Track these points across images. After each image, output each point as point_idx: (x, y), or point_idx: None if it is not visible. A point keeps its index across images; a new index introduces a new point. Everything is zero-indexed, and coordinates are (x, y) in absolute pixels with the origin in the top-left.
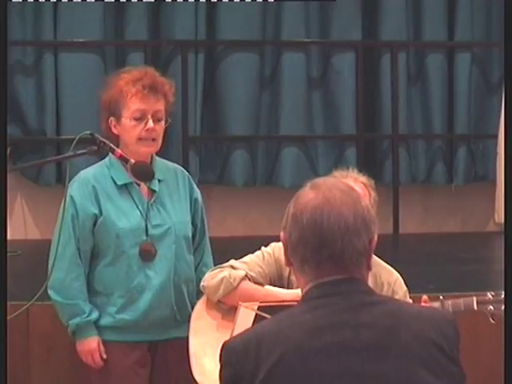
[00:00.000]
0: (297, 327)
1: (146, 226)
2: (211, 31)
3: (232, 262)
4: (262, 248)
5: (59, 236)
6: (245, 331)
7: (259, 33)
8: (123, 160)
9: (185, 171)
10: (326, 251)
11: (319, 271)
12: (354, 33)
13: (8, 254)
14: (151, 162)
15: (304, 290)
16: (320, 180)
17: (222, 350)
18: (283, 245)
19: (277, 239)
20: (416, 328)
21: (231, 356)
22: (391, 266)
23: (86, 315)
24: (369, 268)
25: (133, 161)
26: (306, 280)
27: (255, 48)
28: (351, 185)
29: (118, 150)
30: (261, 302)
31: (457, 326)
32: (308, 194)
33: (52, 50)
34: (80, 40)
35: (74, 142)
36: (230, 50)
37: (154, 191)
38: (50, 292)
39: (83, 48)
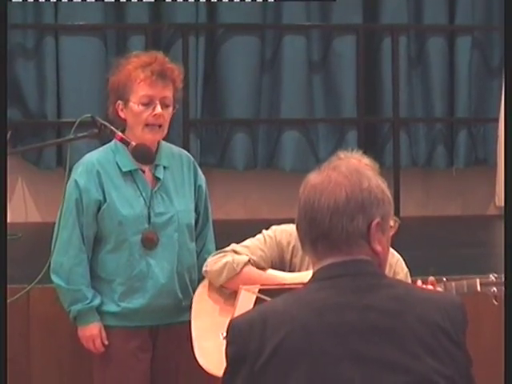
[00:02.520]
0: (303, 307)
1: (149, 213)
2: (212, 15)
3: (233, 246)
4: (263, 231)
5: (63, 220)
6: (251, 310)
7: (260, 16)
8: (124, 143)
9: (190, 157)
10: (314, 231)
11: (315, 251)
12: (354, 16)
13: (8, 237)
14: (157, 147)
15: (313, 272)
16: (334, 162)
17: (228, 328)
18: None
19: (277, 222)
20: (422, 311)
21: (236, 334)
22: (392, 248)
23: (88, 301)
24: (374, 251)
25: (133, 143)
26: (312, 261)
27: (256, 31)
28: (361, 166)
29: (119, 133)
30: (262, 285)
31: (465, 311)
32: (311, 176)
33: (53, 34)
34: (81, 23)
35: (75, 125)
36: (231, 34)
37: (158, 179)
38: (52, 276)
39: (84, 31)
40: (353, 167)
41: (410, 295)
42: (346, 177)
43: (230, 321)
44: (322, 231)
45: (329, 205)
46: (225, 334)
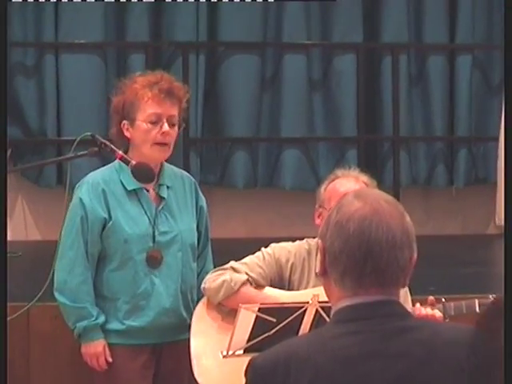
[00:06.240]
0: (327, 354)
1: (154, 232)
2: (212, 32)
3: (232, 263)
4: (262, 249)
5: (67, 238)
6: (273, 350)
7: (260, 34)
8: (124, 162)
9: (191, 178)
10: (370, 264)
11: (359, 285)
12: (355, 35)
13: (8, 255)
14: (160, 167)
15: (337, 307)
16: (364, 190)
17: (248, 367)
18: (321, 254)
19: (277, 240)
20: (447, 356)
21: (257, 376)
22: None
23: (93, 318)
24: (404, 285)
25: (133, 162)
26: (342, 295)
27: (256, 49)
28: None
29: (119, 152)
30: (261, 304)
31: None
32: (354, 204)
33: (53, 51)
34: (81, 41)
35: (75, 144)
36: (231, 52)
37: (162, 198)
38: (56, 295)
39: (84, 49)
40: (392, 198)
41: (436, 338)
42: (396, 208)
43: (251, 359)
44: (378, 265)
45: (387, 238)
46: (224, 353)
